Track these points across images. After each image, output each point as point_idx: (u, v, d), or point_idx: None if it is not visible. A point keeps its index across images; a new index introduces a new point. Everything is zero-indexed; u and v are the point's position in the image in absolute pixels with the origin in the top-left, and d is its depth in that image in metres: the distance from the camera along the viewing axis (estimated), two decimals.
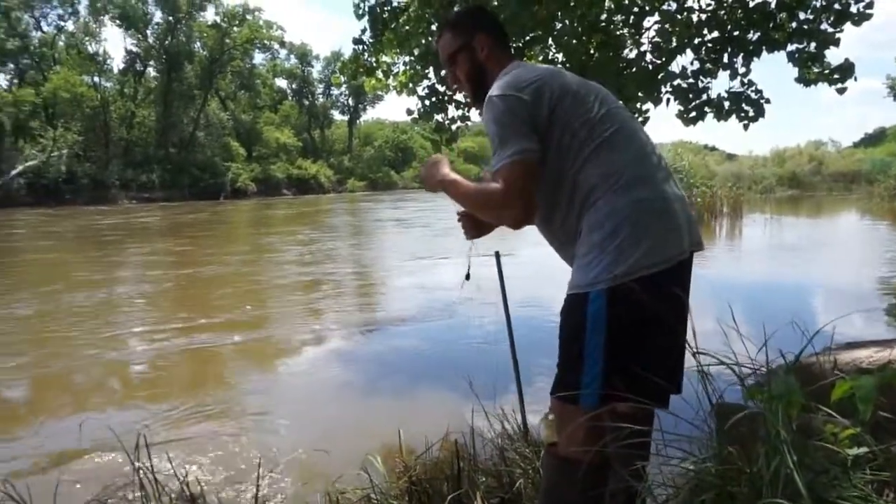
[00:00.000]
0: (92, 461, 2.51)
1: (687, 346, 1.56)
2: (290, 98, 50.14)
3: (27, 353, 4.69)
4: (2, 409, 3.68)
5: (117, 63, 52.24)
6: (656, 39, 4.28)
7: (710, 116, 4.81)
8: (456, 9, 4.58)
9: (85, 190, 27.46)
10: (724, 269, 7.95)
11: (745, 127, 4.74)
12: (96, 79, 33.81)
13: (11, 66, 32.52)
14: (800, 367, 2.13)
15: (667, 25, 4.30)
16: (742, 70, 4.58)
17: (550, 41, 4.58)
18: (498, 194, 1.46)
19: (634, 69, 4.17)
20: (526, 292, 5.47)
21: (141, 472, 1.45)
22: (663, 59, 4.27)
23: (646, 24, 4.43)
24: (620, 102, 1.66)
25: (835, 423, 1.16)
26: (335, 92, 50.06)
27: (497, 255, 2.66)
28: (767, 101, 4.66)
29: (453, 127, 5.34)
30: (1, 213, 21.16)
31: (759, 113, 4.64)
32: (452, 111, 5.36)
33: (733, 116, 4.74)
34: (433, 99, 5.20)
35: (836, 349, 2.12)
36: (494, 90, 1.51)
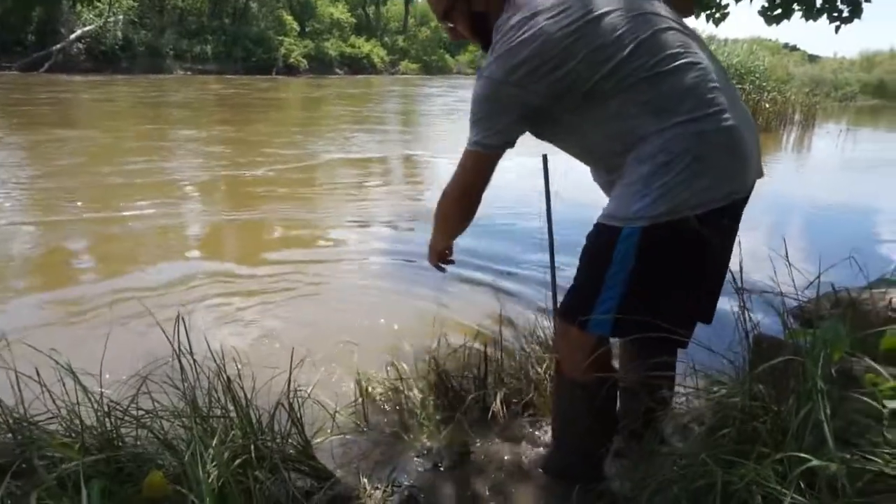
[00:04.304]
0: (134, 333, 2.69)
1: (730, 274, 1.49)
2: None
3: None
4: (57, 268, 3.92)
5: None
6: None
7: (796, 15, 4.36)
8: None
9: (141, 57, 27.52)
10: (784, 186, 7.49)
11: (837, 29, 4.28)
12: None
13: None
14: (851, 304, 2.04)
15: None
16: None
17: None
18: (451, 187, 1.53)
19: None
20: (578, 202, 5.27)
21: (181, 353, 1.52)
22: None
23: None
24: (665, 12, 1.41)
25: (876, 374, 1.10)
26: None
27: (544, 158, 2.55)
28: None
29: None
30: (65, 77, 21.57)
31: (856, 13, 4.16)
32: None
33: (824, 16, 4.28)
34: None
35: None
36: (487, 64, 1.36)
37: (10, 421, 1.43)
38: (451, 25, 1.56)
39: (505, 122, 1.39)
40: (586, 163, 1.60)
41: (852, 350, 1.14)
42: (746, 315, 1.44)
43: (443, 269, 1.90)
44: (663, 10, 1.42)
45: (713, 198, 1.32)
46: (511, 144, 1.45)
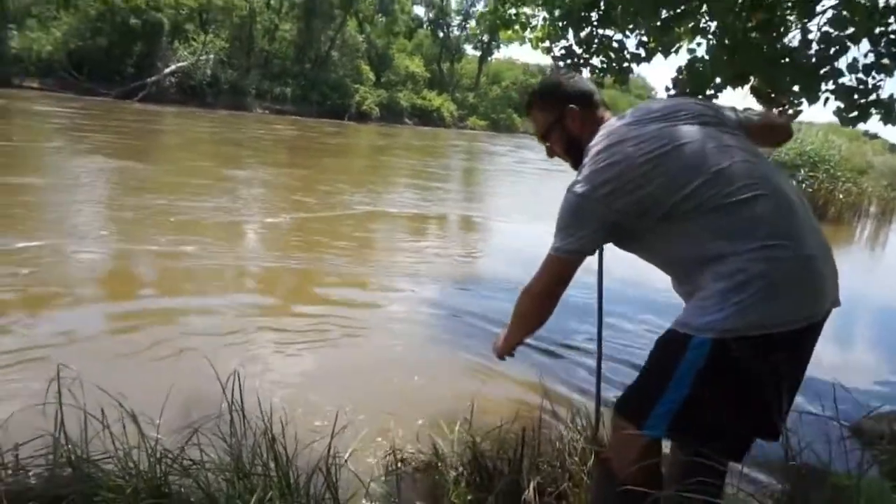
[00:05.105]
0: (190, 378, 2.63)
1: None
2: (424, 27, 49.85)
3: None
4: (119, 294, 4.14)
5: None
6: (827, 29, 3.80)
7: (875, 118, 4.29)
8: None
9: (225, 95, 29.28)
10: (853, 285, 7.10)
11: None
12: None
13: None
14: None
15: (845, 12, 3.80)
16: None
17: (705, 7, 4.21)
18: (532, 287, 1.62)
19: (793, 60, 3.75)
20: (631, 293, 5.16)
21: (233, 408, 1.60)
22: (832, 51, 3.80)
23: (819, 7, 3.94)
24: (743, 145, 1.53)
25: None
26: (471, 25, 49.15)
27: (600, 248, 2.58)
28: None
29: None
30: (155, 107, 23.18)
31: None
32: (586, 74, 5.15)
33: None
34: (569, 61, 5.00)
35: None
36: (576, 180, 1.51)
37: (72, 457, 1.53)
38: (549, 144, 1.74)
39: (585, 233, 1.49)
40: (666, 273, 1.65)
41: None
42: (790, 440, 1.41)
43: (504, 359, 1.93)
44: (742, 142, 1.53)
45: (786, 320, 1.36)
46: (590, 252, 1.55)
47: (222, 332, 3.58)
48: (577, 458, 2.22)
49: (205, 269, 4.88)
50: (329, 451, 1.72)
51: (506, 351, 1.86)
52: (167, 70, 27.55)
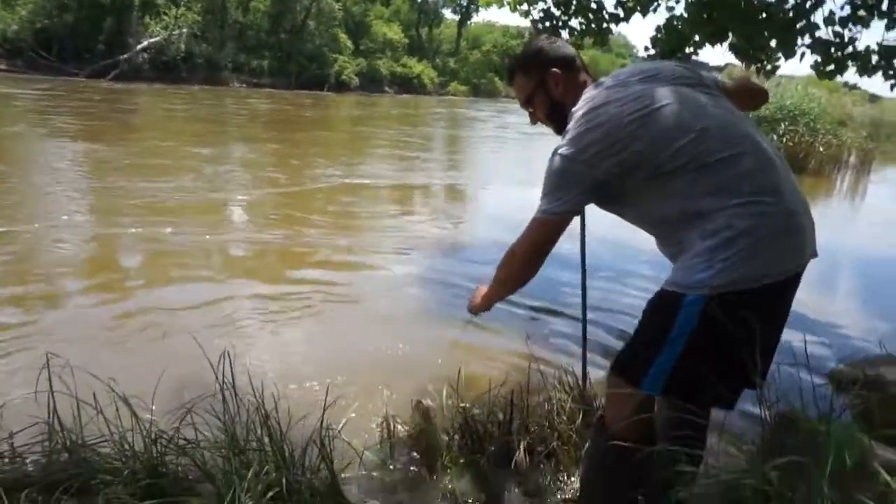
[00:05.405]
0: (179, 359, 2.53)
1: None
2: None
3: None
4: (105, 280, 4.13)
5: None
6: None
7: (851, 70, 4.30)
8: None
9: (200, 69, 28.62)
10: (833, 236, 7.03)
11: (893, 87, 4.22)
12: None
13: None
14: (878, 383, 2.03)
15: None
16: None
17: None
18: (518, 248, 1.63)
19: (770, 15, 3.73)
20: (614, 256, 5.20)
21: (224, 386, 1.63)
22: (808, 4, 3.78)
23: None
24: (726, 104, 1.58)
25: (894, 469, 1.11)
26: None
27: (581, 210, 2.60)
28: None
29: None
30: (127, 86, 22.64)
31: None
32: (565, 35, 5.10)
33: (879, 73, 4.22)
34: (547, 23, 4.94)
35: None
36: (561, 143, 1.53)
37: (67, 442, 1.56)
38: (532, 111, 1.75)
39: (572, 195, 1.52)
40: (650, 234, 1.68)
41: (869, 440, 1.16)
42: (769, 389, 1.47)
43: (478, 315, 1.96)
44: (722, 102, 1.58)
45: (770, 273, 1.42)
46: (576, 213, 1.59)
47: (208, 311, 3.58)
48: (565, 418, 2.29)
49: (182, 250, 4.84)
50: (322, 422, 1.76)
51: (482, 308, 1.89)
52: (139, 46, 26.84)
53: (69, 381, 1.62)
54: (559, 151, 1.53)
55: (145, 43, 27.11)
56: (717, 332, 1.42)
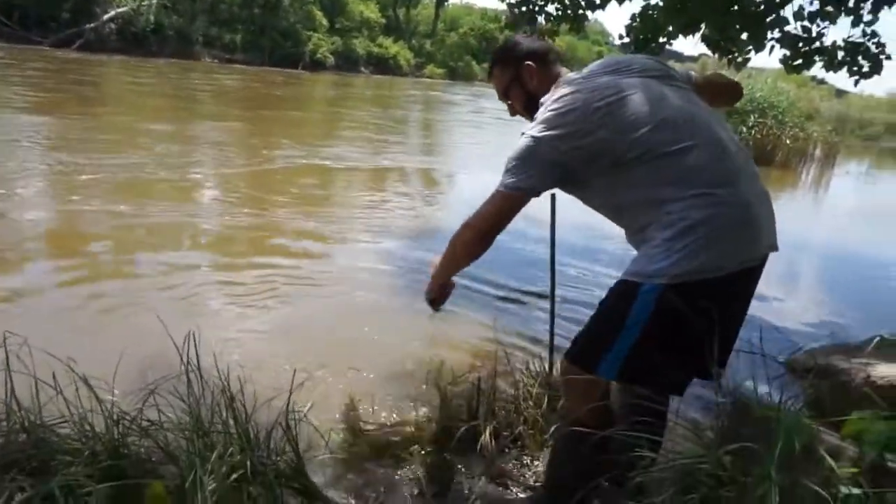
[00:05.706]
0: (144, 338, 2.51)
1: None
2: None
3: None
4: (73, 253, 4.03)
5: None
6: None
7: (818, 65, 4.40)
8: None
9: (171, 42, 27.81)
10: (795, 228, 7.12)
11: (856, 83, 4.34)
12: None
13: None
14: (829, 371, 2.10)
15: None
16: (868, 17, 4.11)
17: None
18: (475, 222, 1.63)
19: (742, 7, 3.79)
20: (583, 243, 5.20)
21: (189, 368, 1.61)
22: None
23: None
24: (690, 96, 1.62)
25: (838, 454, 1.16)
26: None
27: (553, 197, 2.63)
28: (888, 56, 4.21)
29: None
30: (93, 56, 21.88)
31: (875, 69, 4.21)
32: (541, 21, 5.10)
33: (844, 69, 4.33)
34: (524, 8, 4.94)
35: (878, 359, 2.06)
36: (532, 126, 1.56)
37: (26, 423, 1.53)
38: (510, 102, 1.82)
39: (535, 172, 1.56)
40: (615, 222, 1.71)
41: (816, 428, 1.20)
42: (726, 378, 1.52)
43: (437, 309, 1.97)
44: (686, 95, 1.62)
45: (727, 264, 1.46)
46: (536, 193, 1.60)
47: (173, 291, 3.51)
48: (531, 403, 2.32)
49: (142, 228, 4.71)
50: (288, 405, 1.75)
51: (438, 293, 1.90)
52: (106, 16, 25.93)
53: (27, 360, 1.59)
54: (528, 132, 1.57)
55: (112, 13, 26.21)
56: (672, 321, 1.45)
